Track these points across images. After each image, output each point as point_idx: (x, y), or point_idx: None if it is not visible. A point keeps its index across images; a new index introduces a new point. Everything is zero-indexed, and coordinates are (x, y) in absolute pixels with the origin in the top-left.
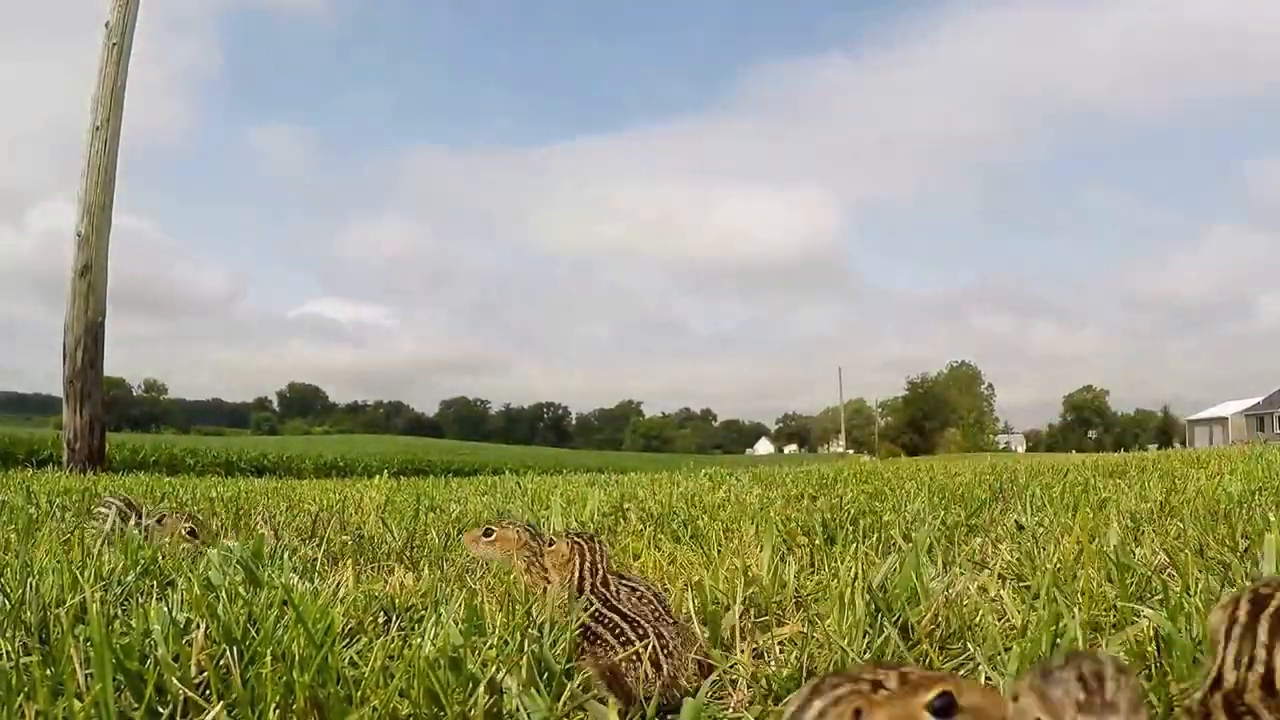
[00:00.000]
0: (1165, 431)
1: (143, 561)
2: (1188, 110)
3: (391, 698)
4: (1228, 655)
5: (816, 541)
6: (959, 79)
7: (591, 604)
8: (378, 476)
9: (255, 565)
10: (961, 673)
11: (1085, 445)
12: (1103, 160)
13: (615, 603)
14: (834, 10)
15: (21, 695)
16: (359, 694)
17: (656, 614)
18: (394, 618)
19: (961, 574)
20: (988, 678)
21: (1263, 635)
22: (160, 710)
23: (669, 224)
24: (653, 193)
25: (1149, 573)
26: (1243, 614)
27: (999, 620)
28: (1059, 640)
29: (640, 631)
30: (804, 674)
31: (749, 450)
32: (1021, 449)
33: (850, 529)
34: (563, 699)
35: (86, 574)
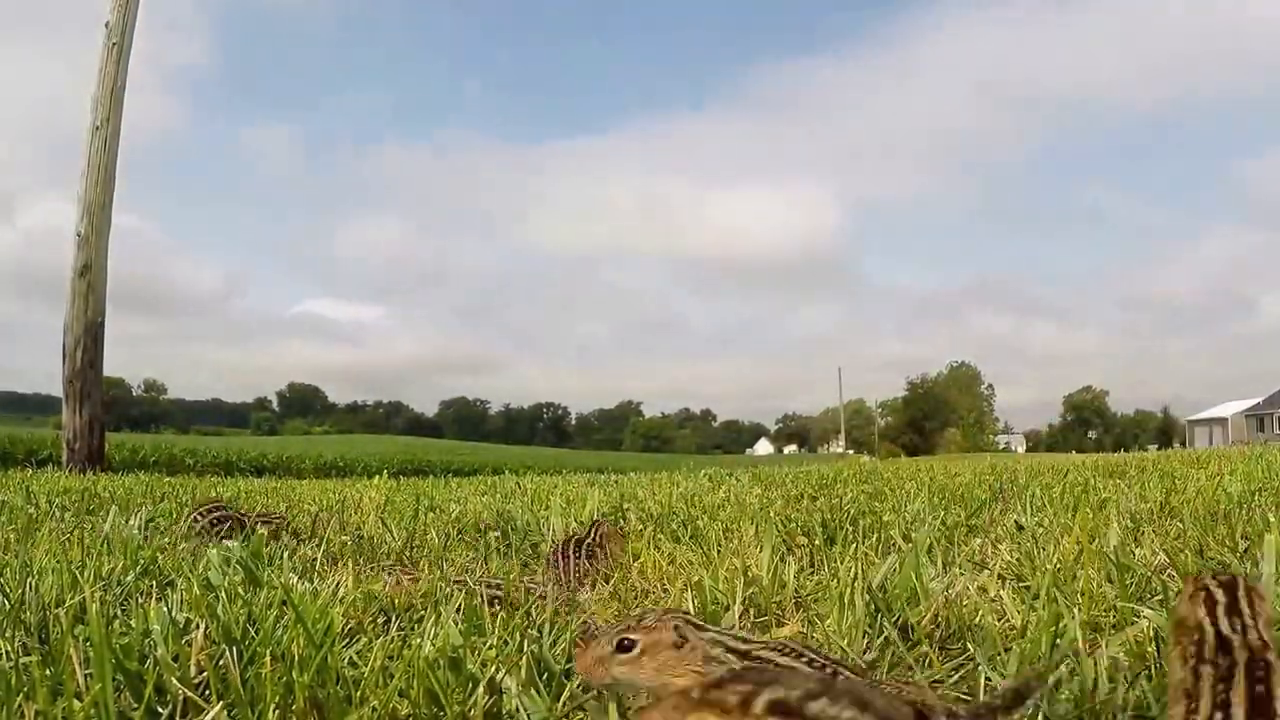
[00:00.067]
0: (1165, 432)
1: (142, 561)
2: (1188, 110)
3: (391, 698)
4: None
5: (816, 542)
6: (959, 78)
7: None
8: (377, 477)
9: (255, 565)
10: (961, 672)
11: (1085, 445)
12: (1103, 160)
13: None
14: (834, 10)
15: (21, 695)
16: (358, 694)
17: None
18: (394, 618)
19: (961, 574)
20: (988, 678)
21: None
22: (160, 710)
23: (669, 223)
24: (652, 192)
25: (1149, 573)
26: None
27: (999, 620)
28: (1059, 641)
29: None
30: None
31: (749, 450)
32: (1021, 449)
33: (850, 529)
34: (562, 699)
35: (86, 574)
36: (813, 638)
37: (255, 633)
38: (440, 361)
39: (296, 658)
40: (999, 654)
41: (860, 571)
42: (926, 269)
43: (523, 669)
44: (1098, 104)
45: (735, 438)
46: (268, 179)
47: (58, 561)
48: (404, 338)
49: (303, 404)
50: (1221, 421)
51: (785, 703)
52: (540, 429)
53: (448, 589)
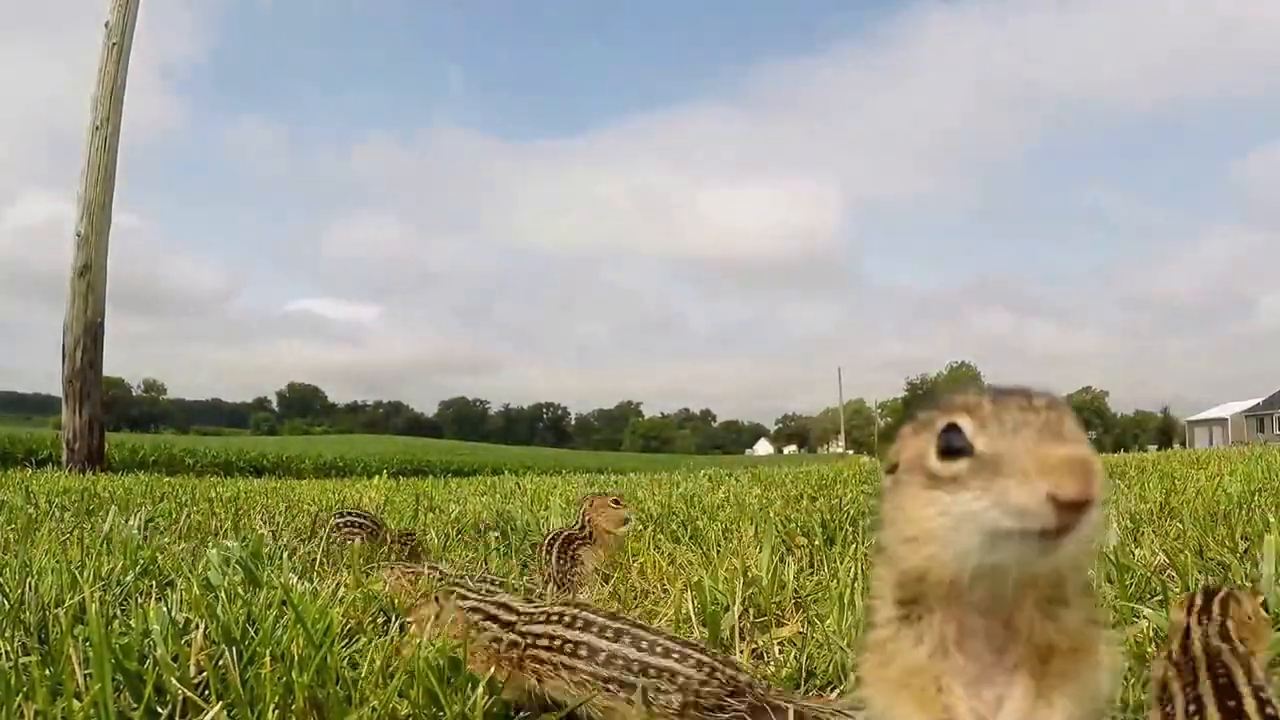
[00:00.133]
0: (1165, 432)
1: (142, 561)
2: (1188, 110)
3: (391, 698)
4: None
5: (816, 542)
6: (959, 78)
7: None
8: (377, 477)
9: (254, 565)
10: None
11: None
12: (1103, 160)
13: None
14: (834, 10)
15: (20, 695)
16: (358, 694)
17: None
18: (393, 618)
19: None
20: None
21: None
22: (159, 710)
23: (669, 223)
24: (652, 192)
25: (1148, 573)
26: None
27: None
28: None
29: None
30: (803, 674)
31: (748, 451)
32: None
33: (850, 529)
34: None
35: (85, 574)
36: (812, 638)
37: (255, 633)
38: (440, 361)
39: (296, 658)
40: None
41: (860, 572)
42: (926, 269)
43: None
44: (1098, 104)
45: (735, 438)
46: (266, 178)
47: (57, 561)
48: (403, 338)
49: (302, 404)
50: (1221, 422)
51: None
52: (540, 429)
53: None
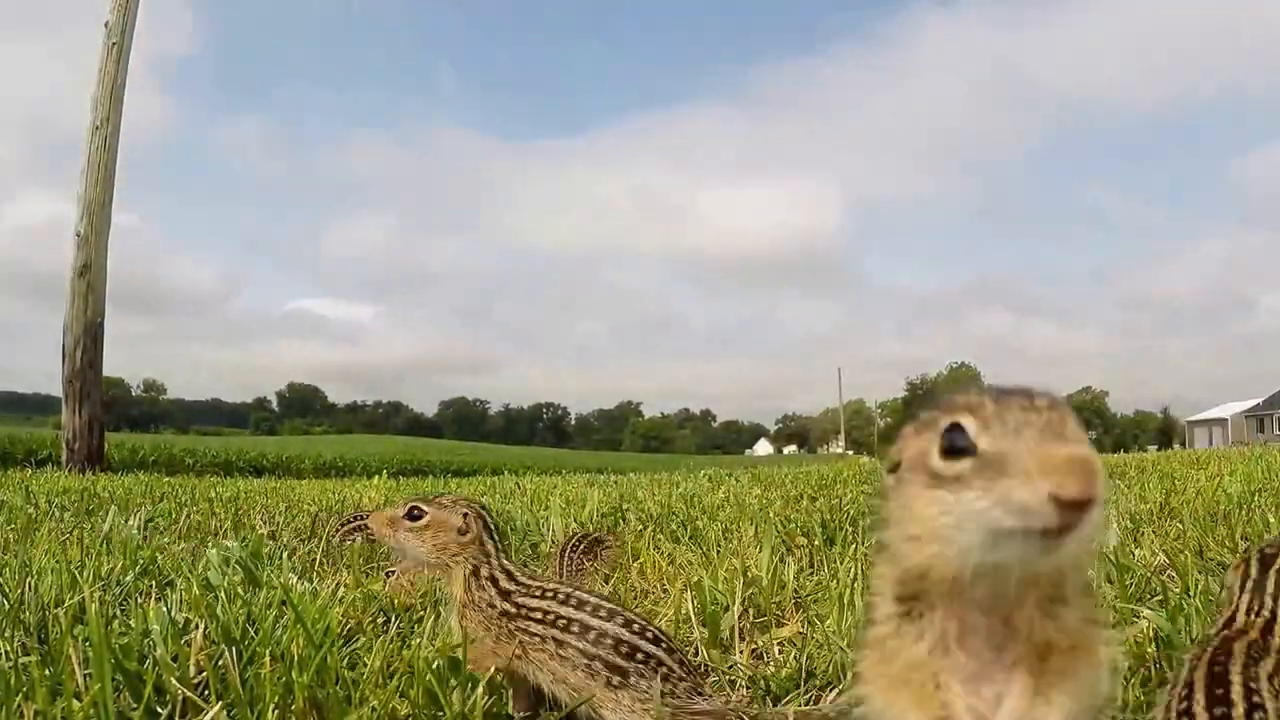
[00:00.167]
0: (1165, 433)
1: (141, 561)
2: (1188, 110)
3: (391, 698)
4: (1241, 604)
5: (816, 542)
6: (959, 78)
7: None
8: (376, 477)
9: (254, 565)
10: None
11: None
12: (1103, 160)
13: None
14: (834, 10)
15: (20, 695)
16: (358, 694)
17: None
18: (393, 618)
19: None
20: None
21: (1270, 588)
22: (159, 710)
23: (669, 223)
24: (652, 191)
25: (1148, 573)
26: (1254, 570)
27: None
28: None
29: None
30: (803, 675)
31: (748, 451)
32: None
33: (850, 530)
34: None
35: (85, 574)
36: (812, 638)
37: (255, 633)
38: (440, 361)
39: (296, 658)
40: None
41: (860, 572)
42: (926, 269)
43: None
44: (1097, 104)
45: (735, 438)
46: (264, 177)
47: (57, 561)
48: (403, 337)
49: (302, 404)
50: (1221, 422)
51: None
52: (540, 429)
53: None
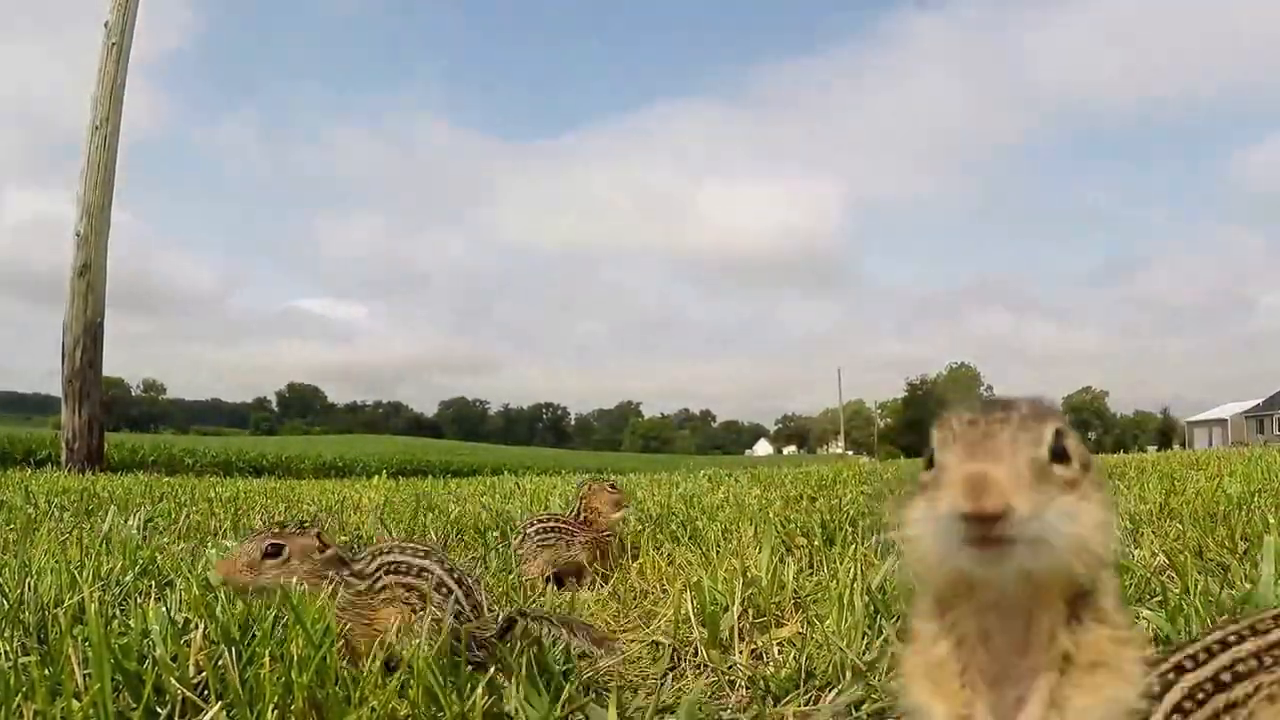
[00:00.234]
0: (1165, 433)
1: (141, 561)
2: (1188, 110)
3: (390, 698)
4: None
5: (815, 543)
6: (959, 78)
7: None
8: (376, 477)
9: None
10: None
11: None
12: (1103, 160)
13: None
14: (834, 10)
15: (20, 695)
16: (358, 694)
17: None
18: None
19: None
20: None
21: None
22: (158, 710)
23: (669, 223)
24: (652, 191)
25: (1148, 574)
26: None
27: None
28: None
29: None
30: (802, 675)
31: (748, 451)
32: None
33: (849, 530)
34: (561, 700)
35: (85, 574)
36: (812, 638)
37: (254, 633)
38: (439, 361)
39: (295, 658)
40: None
41: (859, 572)
42: (926, 269)
43: (522, 669)
44: (1098, 104)
45: (735, 438)
46: (262, 176)
47: (56, 561)
48: (402, 337)
49: (302, 404)
50: (1221, 422)
51: None
52: (539, 429)
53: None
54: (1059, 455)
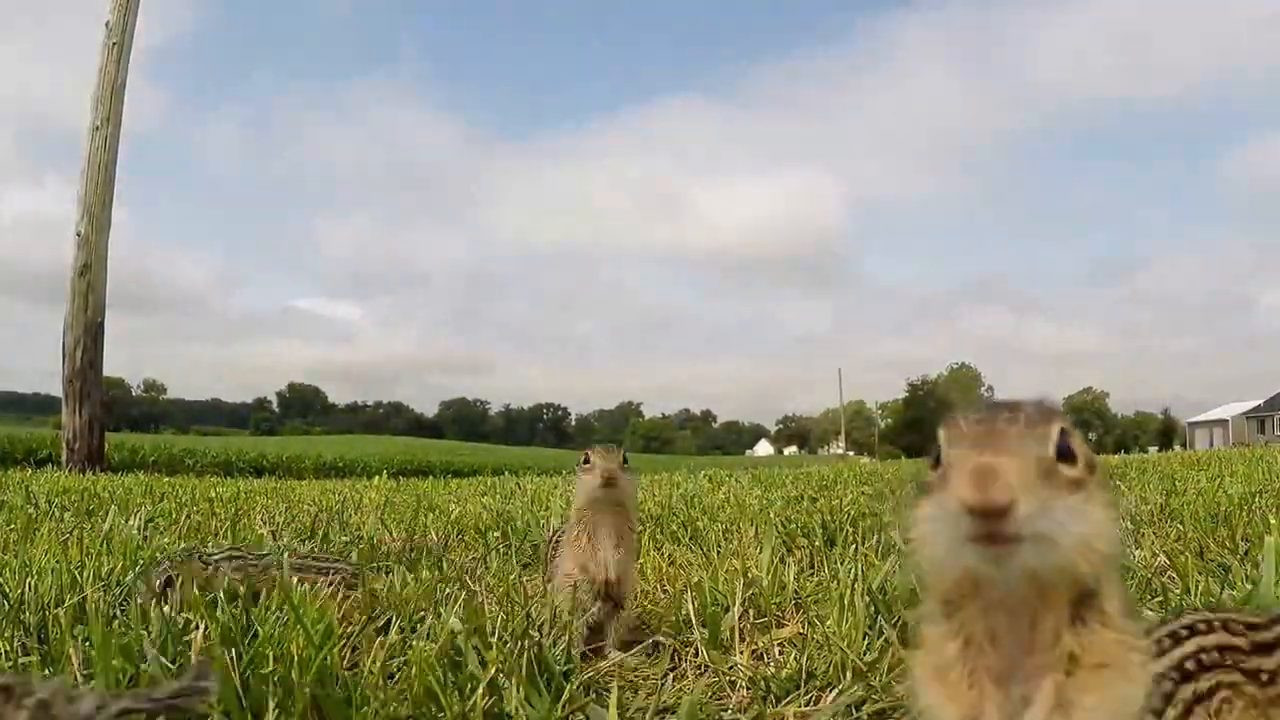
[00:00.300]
0: (1166, 433)
1: (142, 561)
2: (1188, 109)
3: (392, 699)
4: None
5: (816, 543)
6: (959, 78)
7: None
8: (377, 477)
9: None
10: None
11: None
12: (1103, 159)
13: None
14: (835, 10)
15: None
16: (359, 695)
17: None
18: (394, 618)
19: None
20: None
21: None
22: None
23: (669, 223)
24: (652, 191)
25: (1149, 574)
26: None
27: None
28: None
29: None
30: (803, 675)
31: (748, 451)
32: None
33: (850, 530)
34: (562, 700)
35: (85, 574)
36: (813, 639)
37: (255, 634)
38: (439, 362)
39: (296, 659)
40: None
41: (860, 573)
42: (926, 269)
43: (523, 669)
44: (1098, 103)
45: (735, 439)
46: (261, 175)
47: (57, 561)
48: (403, 338)
49: (302, 404)
50: (1222, 423)
51: None
52: (540, 429)
53: (448, 590)
54: (1064, 455)
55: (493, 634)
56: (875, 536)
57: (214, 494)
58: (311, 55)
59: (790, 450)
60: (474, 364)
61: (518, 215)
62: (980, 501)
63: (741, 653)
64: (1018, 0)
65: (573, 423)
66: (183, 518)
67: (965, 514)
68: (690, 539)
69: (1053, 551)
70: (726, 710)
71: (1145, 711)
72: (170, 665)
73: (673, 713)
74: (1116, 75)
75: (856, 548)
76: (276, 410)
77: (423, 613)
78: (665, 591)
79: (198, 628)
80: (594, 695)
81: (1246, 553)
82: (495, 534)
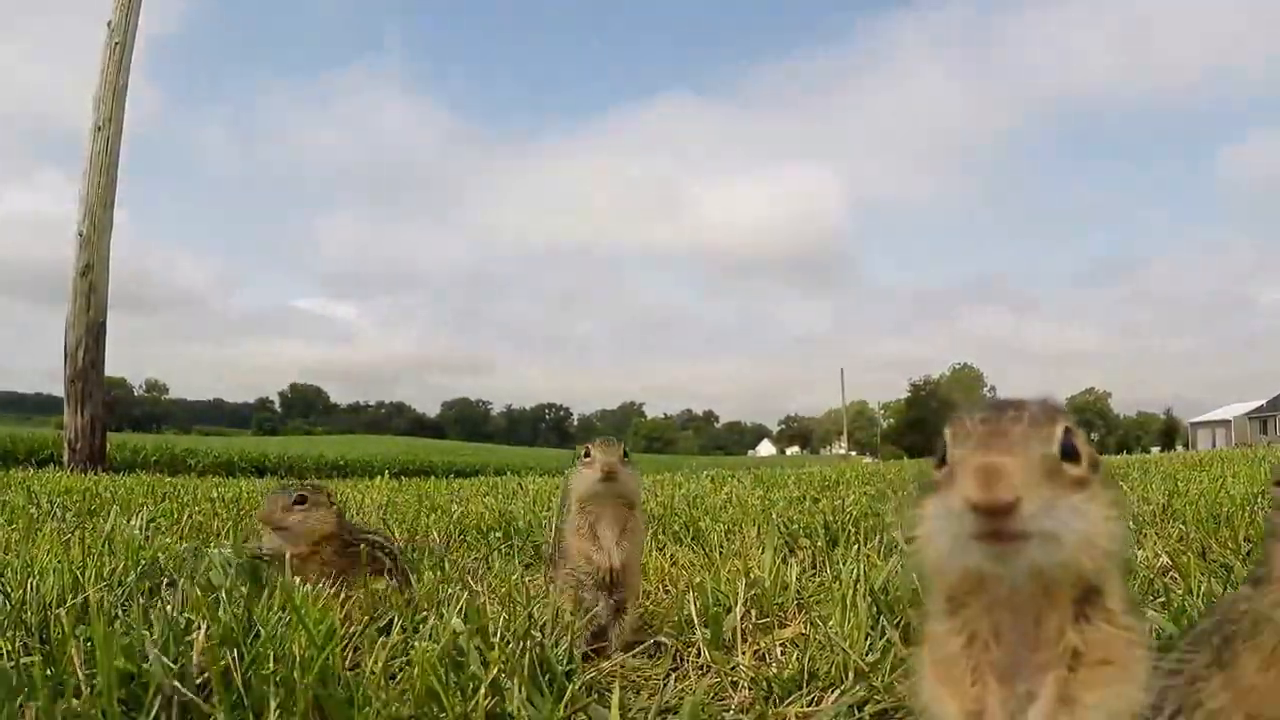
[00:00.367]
0: (1168, 434)
1: (143, 562)
2: (1187, 108)
3: (394, 699)
4: None
5: (819, 543)
6: (964, 78)
7: None
8: (379, 477)
9: (257, 567)
10: None
11: None
12: (1103, 159)
13: None
14: (835, 10)
15: (22, 695)
16: (360, 695)
17: None
18: (396, 619)
19: None
20: None
21: None
22: (161, 712)
23: (671, 223)
24: (652, 191)
25: (1151, 575)
26: None
27: None
28: None
29: None
30: (805, 676)
31: (751, 452)
32: None
33: (853, 531)
34: (565, 700)
35: (87, 574)
36: (815, 639)
37: (257, 634)
38: (441, 361)
39: (298, 659)
40: None
41: (863, 573)
42: (927, 269)
43: (525, 670)
44: (1099, 103)
45: (738, 439)
46: (261, 175)
47: (59, 561)
48: (404, 337)
49: (304, 404)
50: (1225, 423)
51: None
52: (543, 429)
53: (450, 590)
54: (1069, 453)
55: (495, 634)
56: (878, 537)
57: (216, 494)
58: (308, 52)
59: (793, 450)
60: (475, 364)
61: (517, 215)
62: (986, 500)
63: (744, 653)
64: (1017, 1)
65: (575, 423)
66: (184, 518)
67: (970, 512)
68: (692, 539)
69: (1057, 549)
70: (729, 710)
71: (1147, 709)
72: (172, 665)
73: (675, 713)
74: (1116, 75)
75: (859, 548)
76: (278, 410)
77: (425, 613)
78: (667, 592)
79: (199, 627)
80: (596, 695)
81: (1249, 553)
82: (497, 534)
